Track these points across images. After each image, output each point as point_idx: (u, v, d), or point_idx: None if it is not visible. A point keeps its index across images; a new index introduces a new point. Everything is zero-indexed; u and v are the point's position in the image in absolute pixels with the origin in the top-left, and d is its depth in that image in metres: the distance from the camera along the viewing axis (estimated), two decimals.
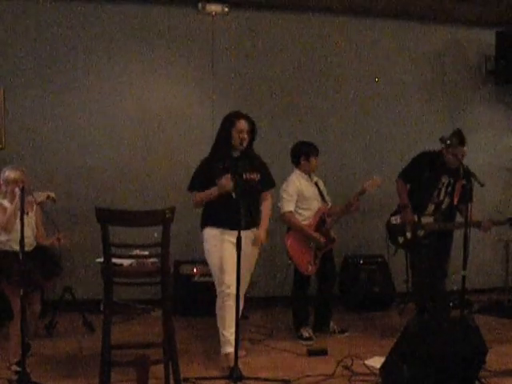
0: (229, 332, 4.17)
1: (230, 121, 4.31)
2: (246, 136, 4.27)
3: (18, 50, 5.69)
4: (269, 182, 4.48)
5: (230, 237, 4.17)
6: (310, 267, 4.91)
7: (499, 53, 6.32)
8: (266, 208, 4.46)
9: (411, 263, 5.02)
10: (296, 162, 5.07)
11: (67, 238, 4.38)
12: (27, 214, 4.05)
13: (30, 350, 4.14)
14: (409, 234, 4.86)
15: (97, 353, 3.75)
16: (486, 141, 6.57)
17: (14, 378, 3.78)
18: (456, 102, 6.59)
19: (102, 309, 4.06)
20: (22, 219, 3.73)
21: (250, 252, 4.35)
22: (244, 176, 4.24)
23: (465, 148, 4.73)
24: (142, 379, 3.63)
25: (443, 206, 4.87)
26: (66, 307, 5.26)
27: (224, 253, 4.21)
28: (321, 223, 4.99)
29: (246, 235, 4.17)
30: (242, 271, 3.97)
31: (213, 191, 4.20)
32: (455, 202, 4.79)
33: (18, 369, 3.92)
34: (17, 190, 3.97)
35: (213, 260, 4.28)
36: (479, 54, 6.58)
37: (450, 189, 4.83)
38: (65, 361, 4.33)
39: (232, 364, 3.92)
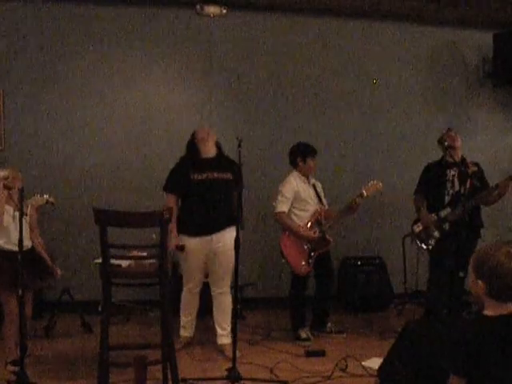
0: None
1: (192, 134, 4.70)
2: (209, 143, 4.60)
3: (16, 51, 5.69)
4: (238, 185, 4.25)
5: (198, 244, 4.49)
6: (305, 268, 4.92)
7: (497, 55, 6.32)
8: None
9: (432, 264, 5.01)
10: (293, 164, 5.08)
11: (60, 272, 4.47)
12: (25, 215, 4.05)
13: (27, 351, 4.14)
14: (437, 233, 4.88)
15: (95, 353, 3.76)
16: (483, 142, 6.58)
17: (13, 378, 3.78)
18: (453, 104, 6.60)
19: (100, 310, 4.07)
20: (20, 221, 3.73)
21: (228, 252, 4.42)
22: (216, 175, 4.52)
23: (452, 132, 4.95)
24: (140, 380, 3.63)
25: (463, 193, 4.78)
26: (65, 308, 5.26)
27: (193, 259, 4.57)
28: (316, 225, 5.00)
29: (222, 236, 4.48)
30: (220, 271, 4.54)
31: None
32: (467, 186, 4.74)
33: (14, 368, 3.93)
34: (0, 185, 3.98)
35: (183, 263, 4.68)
36: (477, 56, 6.58)
37: (462, 178, 4.82)
38: (63, 362, 4.34)
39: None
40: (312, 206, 5.02)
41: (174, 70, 6.06)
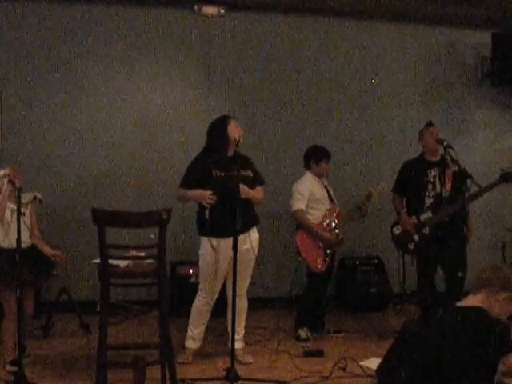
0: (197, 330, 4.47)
1: (223, 120, 4.40)
2: (241, 135, 4.34)
3: (15, 52, 5.68)
4: (259, 179, 4.51)
5: (227, 245, 4.16)
6: (321, 264, 4.93)
7: (495, 54, 6.32)
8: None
9: (418, 266, 4.96)
10: (307, 165, 5.12)
11: (65, 258, 4.45)
12: (23, 214, 4.04)
13: (25, 351, 4.14)
14: (416, 237, 4.80)
15: (93, 354, 3.76)
16: (482, 142, 6.58)
17: (11, 378, 3.78)
18: (452, 104, 6.59)
19: (98, 310, 4.07)
20: (18, 220, 3.72)
21: (253, 253, 4.38)
22: (241, 172, 4.24)
23: (432, 128, 4.85)
24: (139, 380, 3.62)
25: (444, 196, 4.71)
26: (63, 308, 5.25)
27: (219, 263, 4.32)
28: (330, 223, 5.02)
29: (249, 236, 4.34)
30: (243, 273, 4.27)
31: (194, 196, 4.30)
32: (447, 188, 4.68)
33: (12, 368, 3.92)
34: (4, 182, 3.96)
35: (207, 269, 4.35)
36: (475, 56, 6.59)
37: (443, 179, 4.74)
38: (61, 362, 4.33)
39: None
40: (325, 205, 5.05)
41: (173, 70, 6.05)
